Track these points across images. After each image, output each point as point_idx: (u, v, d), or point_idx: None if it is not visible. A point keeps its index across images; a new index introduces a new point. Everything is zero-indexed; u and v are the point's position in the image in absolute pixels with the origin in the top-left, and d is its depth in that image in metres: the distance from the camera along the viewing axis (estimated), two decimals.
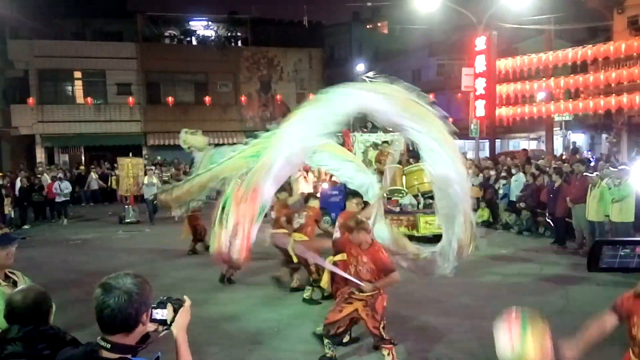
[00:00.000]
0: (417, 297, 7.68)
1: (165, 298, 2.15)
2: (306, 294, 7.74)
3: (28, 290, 2.65)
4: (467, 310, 7.33)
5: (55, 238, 14.22)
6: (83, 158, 27.47)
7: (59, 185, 16.98)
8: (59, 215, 17.41)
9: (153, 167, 19.88)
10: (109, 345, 1.96)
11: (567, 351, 2.84)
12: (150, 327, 2.09)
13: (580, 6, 20.68)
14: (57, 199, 16.99)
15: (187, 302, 2.19)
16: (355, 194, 6.52)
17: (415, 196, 11.90)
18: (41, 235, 14.61)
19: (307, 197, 8.58)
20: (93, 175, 21.88)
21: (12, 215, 15.43)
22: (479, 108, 20.26)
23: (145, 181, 16.25)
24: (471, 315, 6.98)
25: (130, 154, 19.60)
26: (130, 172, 16.71)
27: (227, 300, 8.00)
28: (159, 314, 2.11)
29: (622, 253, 2.88)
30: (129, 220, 16.27)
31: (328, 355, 5.50)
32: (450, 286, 7.82)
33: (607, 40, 18.02)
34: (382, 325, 5.19)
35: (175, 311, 2.14)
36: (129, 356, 1.97)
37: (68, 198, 17.51)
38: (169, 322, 2.12)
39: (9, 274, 3.33)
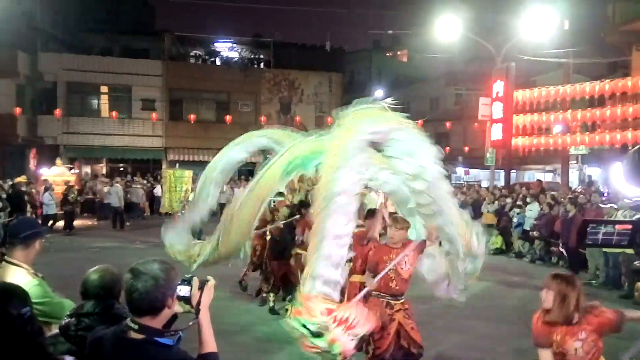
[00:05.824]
0: (424, 319, 7.76)
1: (190, 276, 2.27)
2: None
3: (105, 271, 2.75)
4: (476, 332, 7.43)
5: (74, 245, 14.59)
6: (104, 170, 28.08)
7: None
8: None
9: None
10: (136, 327, 2.09)
11: None
12: (178, 309, 2.21)
13: (599, 42, 20.87)
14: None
15: (211, 282, 2.30)
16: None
17: None
18: (61, 243, 15.00)
19: (298, 206, 7.79)
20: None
21: None
22: (495, 135, 20.37)
23: (190, 198, 15.02)
24: (479, 338, 7.08)
25: (177, 165, 18.11)
26: (173, 185, 14.68)
27: (241, 311, 8.19)
28: (182, 290, 2.20)
29: (604, 230, 3.06)
30: None
31: None
32: (459, 309, 7.91)
33: (626, 76, 18.12)
34: None
35: (200, 289, 2.24)
36: (155, 338, 2.11)
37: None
38: (194, 303, 2.21)
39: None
